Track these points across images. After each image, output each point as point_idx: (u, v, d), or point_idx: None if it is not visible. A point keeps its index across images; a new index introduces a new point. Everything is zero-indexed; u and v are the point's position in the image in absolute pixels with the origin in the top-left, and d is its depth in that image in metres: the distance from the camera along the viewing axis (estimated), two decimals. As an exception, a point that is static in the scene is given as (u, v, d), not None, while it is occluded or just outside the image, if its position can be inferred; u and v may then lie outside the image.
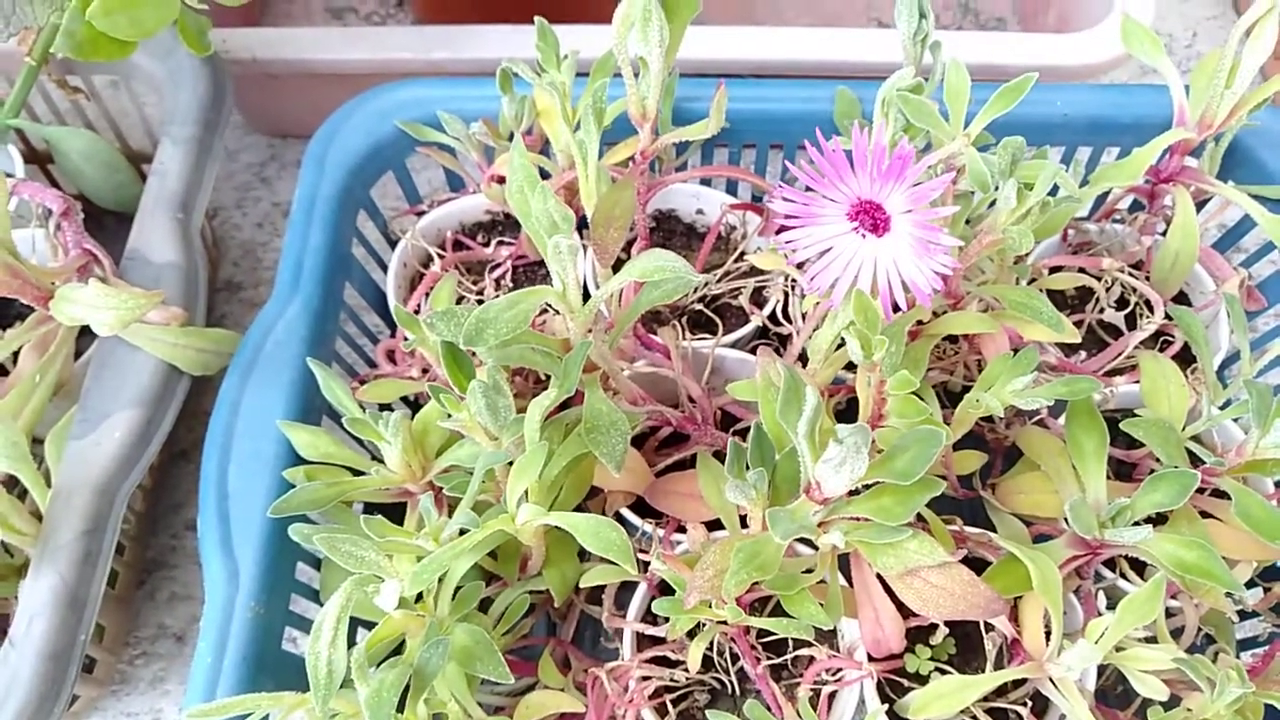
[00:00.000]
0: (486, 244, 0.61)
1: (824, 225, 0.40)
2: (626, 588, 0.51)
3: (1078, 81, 0.64)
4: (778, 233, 0.58)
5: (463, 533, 0.40)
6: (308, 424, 0.49)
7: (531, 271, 0.61)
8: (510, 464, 0.41)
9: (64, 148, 0.62)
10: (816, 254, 0.41)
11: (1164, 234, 0.58)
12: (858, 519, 0.40)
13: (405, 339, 0.48)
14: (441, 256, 0.59)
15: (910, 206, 0.38)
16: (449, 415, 0.40)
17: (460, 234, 0.61)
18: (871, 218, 0.39)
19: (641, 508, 0.52)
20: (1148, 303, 0.56)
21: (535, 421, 0.39)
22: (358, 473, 0.49)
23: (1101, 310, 0.57)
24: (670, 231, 0.63)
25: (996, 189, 0.42)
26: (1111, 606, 0.48)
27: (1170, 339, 0.55)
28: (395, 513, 0.49)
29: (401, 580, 0.38)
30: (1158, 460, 0.47)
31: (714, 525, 0.49)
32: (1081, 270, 0.54)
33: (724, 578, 0.39)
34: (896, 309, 0.40)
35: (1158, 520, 0.47)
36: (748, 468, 0.40)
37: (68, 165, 0.63)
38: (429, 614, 0.42)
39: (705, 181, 0.63)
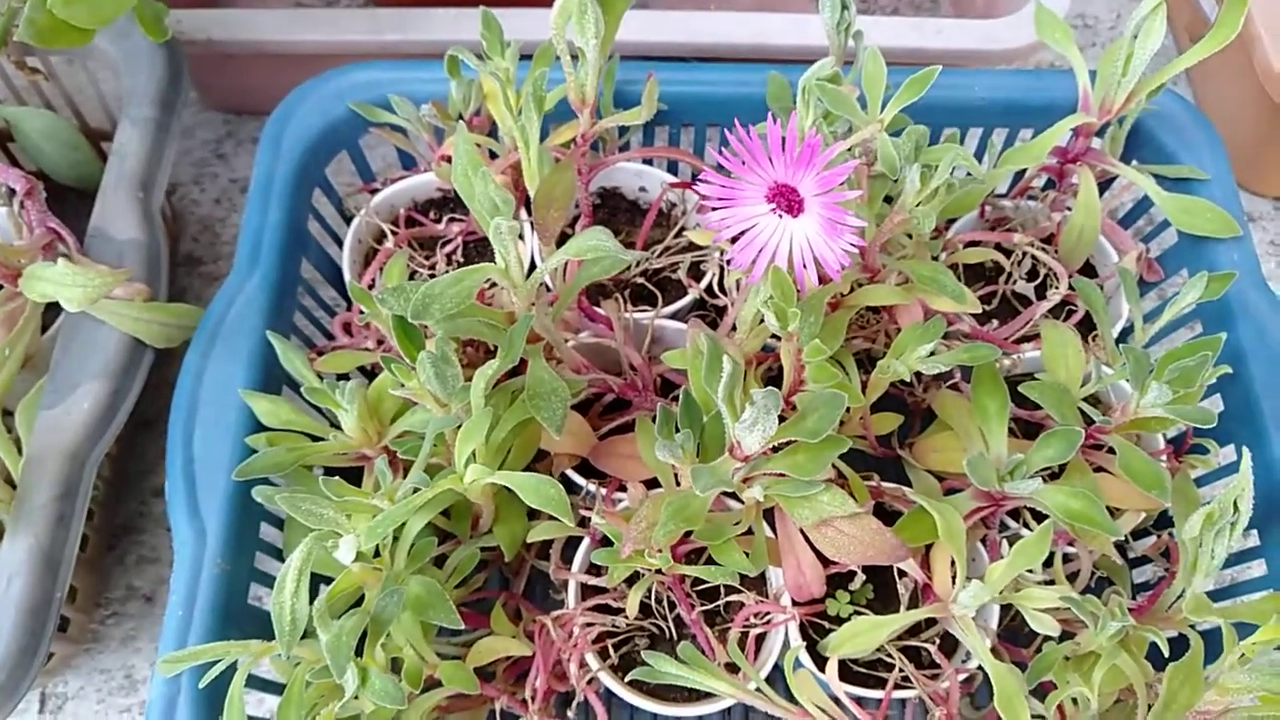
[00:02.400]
0: (438, 220, 0.64)
1: (745, 206, 0.44)
2: (573, 543, 0.55)
3: (998, 66, 0.68)
4: (700, 211, 0.62)
5: (416, 492, 0.44)
6: (268, 393, 0.52)
7: (482, 246, 0.64)
8: (459, 428, 0.45)
9: (25, 128, 0.64)
10: (738, 232, 0.44)
11: (1071, 210, 0.62)
12: (777, 475, 0.44)
13: (360, 313, 0.51)
14: (395, 233, 0.62)
15: (820, 190, 0.41)
16: (401, 385, 0.43)
17: (413, 211, 0.64)
18: (787, 199, 0.43)
19: (586, 470, 0.55)
20: (1056, 274, 0.60)
21: (480, 389, 0.42)
22: (317, 439, 0.52)
23: (1013, 282, 0.61)
24: (615, 208, 0.66)
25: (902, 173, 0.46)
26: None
27: (1074, 308, 0.59)
28: (353, 476, 0.52)
29: (358, 535, 0.41)
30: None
31: (653, 484, 0.53)
32: (997, 246, 0.58)
33: (655, 529, 0.43)
34: (823, 281, 0.43)
35: (1057, 475, 0.52)
36: (678, 430, 0.44)
37: (28, 144, 0.65)
38: (385, 568, 0.45)
39: (648, 162, 0.67)
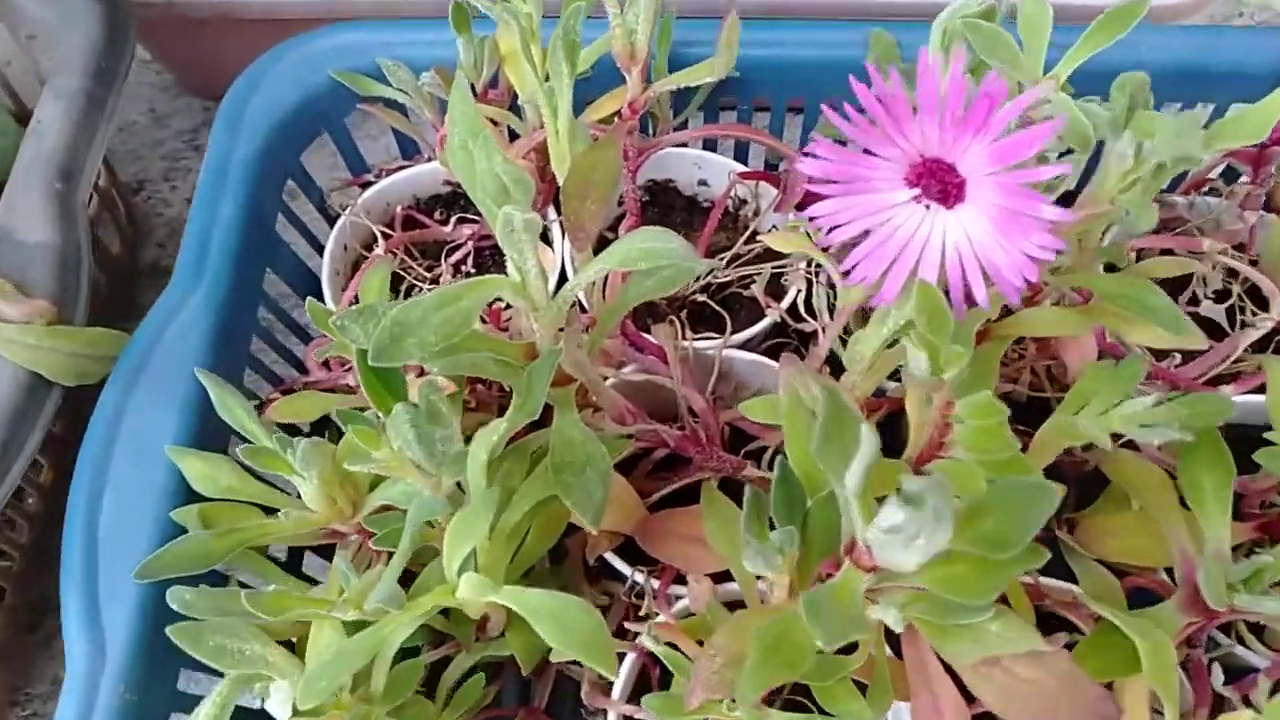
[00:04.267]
0: (445, 221, 0.50)
1: (873, 193, 0.30)
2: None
3: (1159, 24, 0.53)
4: (802, 206, 0.47)
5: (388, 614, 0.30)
6: (208, 449, 0.39)
7: (499, 255, 0.51)
8: (452, 514, 0.31)
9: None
10: (861, 231, 0.30)
11: (1268, 208, 0.47)
12: (916, 588, 0.30)
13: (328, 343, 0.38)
14: (388, 236, 0.48)
15: (997, 165, 0.27)
16: (368, 454, 0.30)
17: (413, 209, 0.51)
18: (940, 182, 0.29)
19: (631, 550, 0.41)
20: (1252, 293, 0.45)
21: (480, 464, 0.29)
22: (271, 511, 0.38)
23: (1197, 303, 0.46)
24: (667, 206, 0.52)
25: (1100, 146, 0.32)
26: (1229, 681, 0.38)
27: (1287, 339, 0.44)
28: (329, 552, 0.39)
29: (296, 684, 0.28)
30: (1290, 497, 0.37)
31: (722, 575, 0.39)
32: (1191, 254, 0.43)
33: (737, 670, 0.29)
34: (971, 305, 0.29)
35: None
36: (771, 525, 0.30)
37: (-57, 128, 0.53)
38: (346, 710, 0.31)
39: (709, 146, 0.53)
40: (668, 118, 0.49)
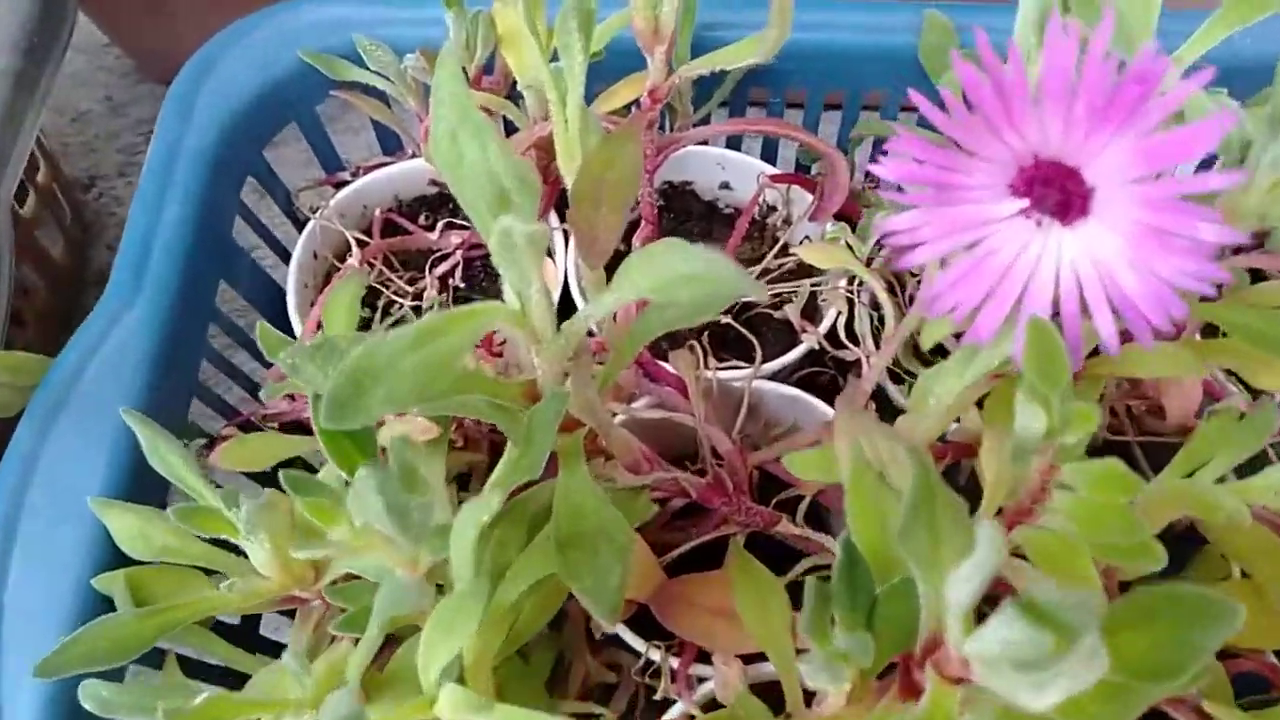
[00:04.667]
0: (430, 226, 0.44)
1: (970, 204, 0.23)
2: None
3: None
4: (840, 217, 0.41)
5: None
6: (143, 499, 0.32)
7: (493, 267, 0.44)
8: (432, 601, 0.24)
9: None
10: (952, 248, 0.24)
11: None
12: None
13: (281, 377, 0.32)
14: (364, 244, 0.42)
15: (1143, 171, 0.21)
16: (323, 534, 0.23)
17: (394, 212, 0.44)
18: (1059, 190, 0.22)
19: (645, 618, 0.35)
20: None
21: (468, 546, 0.22)
22: (215, 574, 0.32)
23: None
24: (684, 211, 0.46)
25: (1247, 150, 0.26)
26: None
27: None
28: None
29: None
30: None
31: (755, 658, 0.32)
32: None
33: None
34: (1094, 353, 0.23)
35: None
36: (832, 620, 0.24)
37: None
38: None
39: (733, 145, 0.47)
40: (687, 111, 0.43)
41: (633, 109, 0.36)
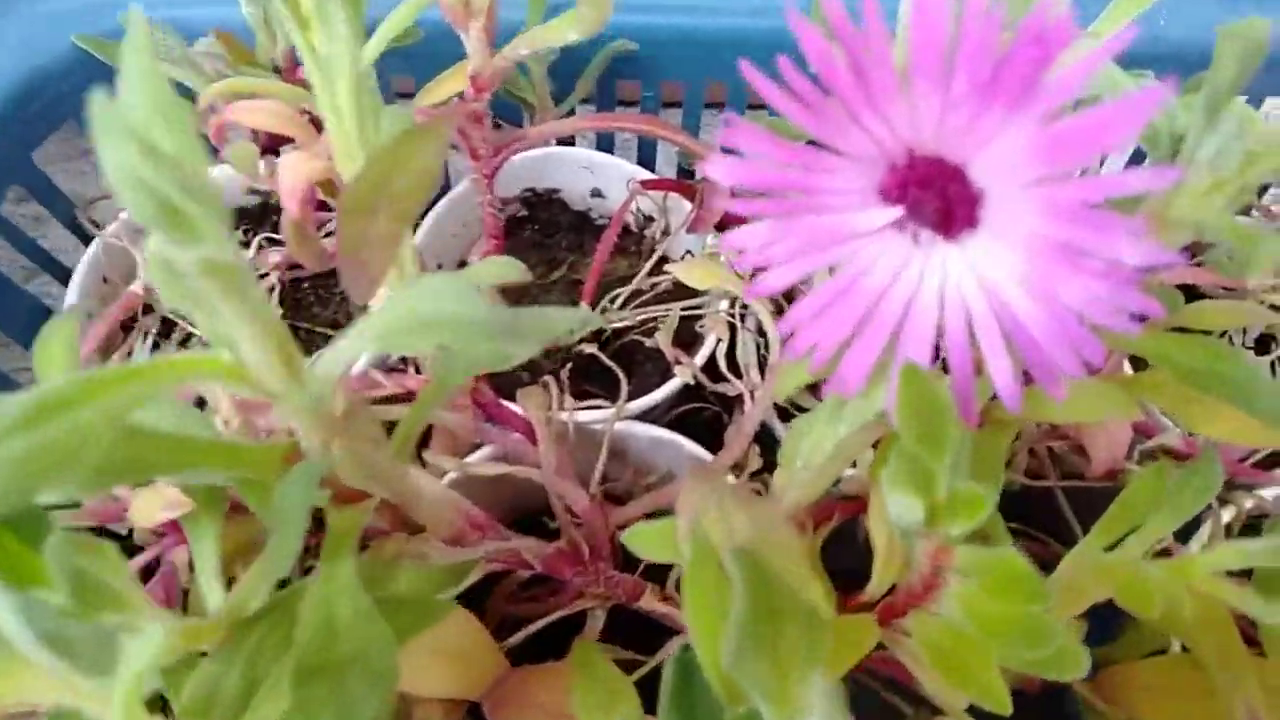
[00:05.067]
0: (246, 244, 0.37)
1: (827, 212, 0.18)
2: None
3: None
4: (722, 227, 0.36)
5: None
6: None
7: (325, 289, 0.38)
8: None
9: None
10: (806, 274, 0.19)
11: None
12: None
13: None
14: (158, 265, 0.35)
15: (1043, 169, 0.16)
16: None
17: (203, 227, 0.37)
18: (939, 195, 0.17)
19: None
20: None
21: (123, 702, 0.16)
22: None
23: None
24: (550, 223, 0.40)
25: (1179, 145, 0.20)
26: None
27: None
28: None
29: None
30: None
31: (605, 769, 0.26)
32: (1226, 291, 0.32)
33: None
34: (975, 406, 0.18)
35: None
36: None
37: None
38: None
39: (607, 146, 0.41)
40: (547, 106, 0.37)
41: (457, 101, 0.30)
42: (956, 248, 0.17)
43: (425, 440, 0.33)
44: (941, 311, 0.18)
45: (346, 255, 0.21)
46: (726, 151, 0.18)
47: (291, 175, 0.29)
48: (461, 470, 0.30)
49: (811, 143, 0.17)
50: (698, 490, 0.22)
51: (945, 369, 0.18)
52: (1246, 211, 0.39)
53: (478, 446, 0.33)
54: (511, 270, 0.27)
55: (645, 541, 0.23)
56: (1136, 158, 0.42)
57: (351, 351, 0.17)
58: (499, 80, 0.27)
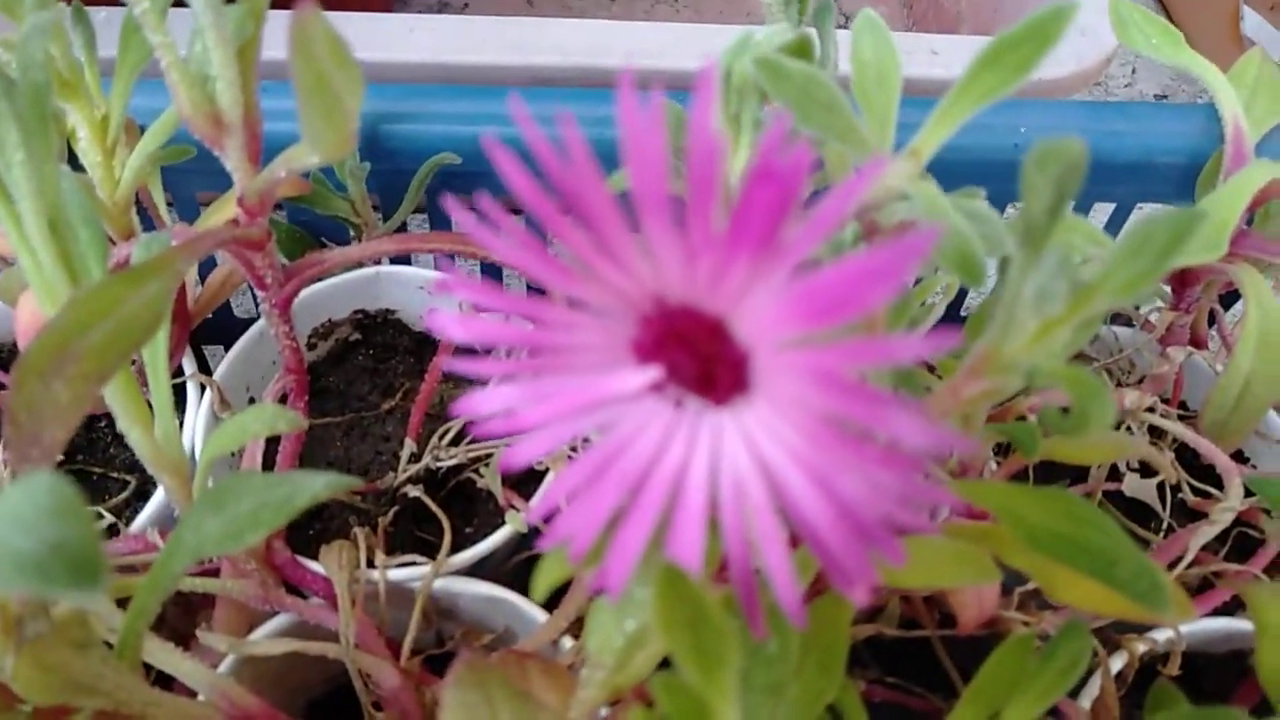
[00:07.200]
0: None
1: (577, 369, 0.15)
2: None
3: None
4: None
5: None
6: None
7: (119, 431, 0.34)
8: None
9: None
10: (567, 440, 0.15)
11: (1193, 344, 0.35)
12: None
13: None
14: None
15: (801, 327, 0.12)
16: None
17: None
18: (697, 356, 0.14)
19: None
20: (1185, 456, 0.32)
21: None
22: None
23: (1119, 477, 0.33)
24: (388, 346, 0.36)
25: (1002, 272, 0.18)
26: None
27: (1250, 533, 0.31)
28: None
29: None
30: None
31: None
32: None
33: None
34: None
35: None
36: None
37: None
38: None
39: (447, 263, 0.38)
40: (372, 224, 0.34)
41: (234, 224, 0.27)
42: (728, 415, 0.14)
43: (209, 605, 0.28)
44: (717, 493, 0.14)
45: (16, 424, 0.18)
46: (447, 292, 0.15)
47: (29, 314, 0.25)
48: (238, 651, 0.26)
49: (542, 291, 0.14)
50: (463, 687, 0.18)
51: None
52: (1127, 322, 0.38)
53: (275, 614, 0.28)
54: (281, 420, 0.23)
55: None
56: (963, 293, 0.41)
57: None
58: (269, 203, 0.24)
